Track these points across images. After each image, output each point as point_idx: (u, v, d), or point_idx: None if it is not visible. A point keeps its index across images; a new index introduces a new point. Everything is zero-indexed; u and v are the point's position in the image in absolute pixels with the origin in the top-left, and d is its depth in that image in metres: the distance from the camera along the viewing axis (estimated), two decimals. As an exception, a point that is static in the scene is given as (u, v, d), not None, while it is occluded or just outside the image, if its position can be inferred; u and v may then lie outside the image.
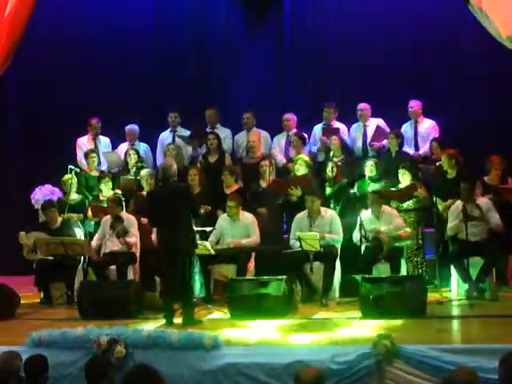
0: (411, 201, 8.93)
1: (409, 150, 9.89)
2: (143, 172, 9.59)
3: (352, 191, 9.09)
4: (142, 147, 10.58)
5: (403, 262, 8.45)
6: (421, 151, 9.84)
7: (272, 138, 10.41)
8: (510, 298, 8.03)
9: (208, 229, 8.58)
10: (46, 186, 10.09)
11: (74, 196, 9.75)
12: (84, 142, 10.64)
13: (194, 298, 7.86)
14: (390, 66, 10.61)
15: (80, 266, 8.96)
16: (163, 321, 7.20)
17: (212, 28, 11.60)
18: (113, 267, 8.64)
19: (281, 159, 10.12)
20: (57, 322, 7.53)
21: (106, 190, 9.56)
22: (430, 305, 7.35)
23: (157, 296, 8.31)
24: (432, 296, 7.82)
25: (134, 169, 9.97)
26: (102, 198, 9.56)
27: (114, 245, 8.77)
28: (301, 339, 6.31)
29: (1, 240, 10.41)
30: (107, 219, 8.90)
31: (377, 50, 10.74)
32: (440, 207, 8.76)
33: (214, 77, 11.47)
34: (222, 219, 8.91)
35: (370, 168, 9.19)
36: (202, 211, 8.67)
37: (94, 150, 10.39)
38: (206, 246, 8.30)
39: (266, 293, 7.46)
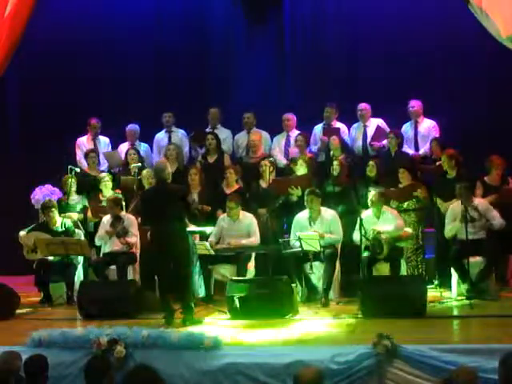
0: (411, 201, 8.93)
1: (409, 150, 9.89)
2: (144, 172, 9.59)
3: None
4: (143, 147, 10.58)
5: (403, 262, 8.44)
6: (421, 151, 9.84)
7: (272, 138, 10.41)
8: (510, 298, 8.03)
9: (208, 229, 8.58)
10: (46, 185, 10.08)
11: (74, 196, 9.75)
12: (84, 142, 10.64)
13: (194, 298, 7.86)
14: (389, 66, 10.60)
15: (80, 265, 8.96)
16: (163, 321, 7.19)
17: (212, 28, 11.60)
18: (113, 267, 8.65)
19: (281, 159, 10.12)
20: (57, 322, 7.55)
21: (106, 190, 9.56)
22: (429, 305, 7.35)
23: (157, 296, 8.31)
24: (432, 296, 7.83)
25: (136, 169, 10.00)
26: (101, 198, 9.55)
27: (114, 245, 8.77)
28: (301, 339, 6.31)
29: (1, 240, 10.41)
30: (107, 219, 8.90)
31: (377, 49, 10.74)
32: (440, 207, 8.76)
33: (214, 77, 11.45)
34: (222, 219, 8.91)
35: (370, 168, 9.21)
36: (197, 204, 8.66)
37: (94, 149, 10.39)
38: (206, 246, 8.30)
39: (266, 293, 7.46)
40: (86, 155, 10.25)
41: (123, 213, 8.91)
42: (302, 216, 8.62)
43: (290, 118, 10.31)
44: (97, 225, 9.24)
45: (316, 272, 8.31)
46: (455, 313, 7.44)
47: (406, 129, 10.03)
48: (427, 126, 9.93)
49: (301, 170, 9.30)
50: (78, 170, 9.84)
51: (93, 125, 10.59)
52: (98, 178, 9.87)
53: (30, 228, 9.19)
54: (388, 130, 9.99)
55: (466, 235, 7.84)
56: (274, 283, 7.56)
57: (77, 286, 8.55)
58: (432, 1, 10.63)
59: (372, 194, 8.51)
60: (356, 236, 8.31)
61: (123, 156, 10.29)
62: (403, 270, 8.39)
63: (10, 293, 8.04)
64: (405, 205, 8.94)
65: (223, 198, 9.06)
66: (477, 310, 7.32)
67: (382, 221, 8.46)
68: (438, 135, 9.77)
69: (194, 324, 7.07)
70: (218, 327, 6.94)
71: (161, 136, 10.66)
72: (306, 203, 8.55)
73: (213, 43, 11.58)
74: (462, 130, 10.01)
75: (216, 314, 7.73)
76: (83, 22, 11.30)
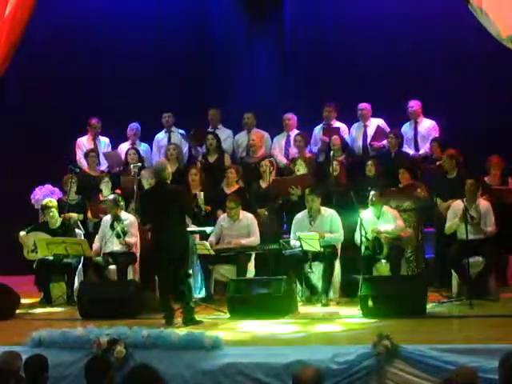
0: (411, 201, 8.92)
1: (409, 150, 9.89)
2: (144, 172, 9.59)
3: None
4: (143, 147, 10.59)
5: (403, 262, 8.44)
6: (421, 151, 9.84)
7: (272, 138, 10.41)
8: (510, 298, 8.03)
9: (208, 229, 8.59)
10: (46, 185, 10.08)
11: (74, 196, 9.75)
12: (84, 142, 10.64)
13: (194, 299, 7.86)
14: (390, 66, 10.59)
15: (80, 265, 8.96)
16: (163, 321, 7.19)
17: (212, 28, 11.59)
18: (113, 267, 8.65)
19: (281, 159, 10.12)
20: (57, 322, 7.55)
21: (106, 190, 9.55)
22: (429, 305, 7.35)
23: (157, 296, 8.31)
24: (432, 296, 7.83)
25: (135, 169, 9.99)
26: (101, 198, 9.55)
27: (114, 245, 8.78)
28: (301, 339, 6.31)
29: (1, 240, 10.41)
30: (107, 219, 8.91)
31: (377, 49, 10.73)
32: (440, 207, 8.76)
33: (214, 77, 11.44)
34: (222, 219, 8.91)
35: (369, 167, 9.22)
36: (203, 208, 8.69)
37: (94, 149, 10.39)
38: (206, 246, 8.30)
39: (266, 293, 7.46)
40: (86, 155, 10.25)
41: (123, 213, 8.90)
42: (302, 216, 8.62)
43: (290, 117, 10.31)
44: (97, 225, 9.24)
45: (316, 272, 8.31)
46: (455, 313, 7.44)
47: (406, 129, 10.04)
48: (427, 126, 9.94)
49: (300, 170, 9.30)
50: (77, 169, 9.84)
51: (93, 125, 10.59)
52: (98, 178, 9.87)
53: (29, 228, 9.19)
54: (388, 130, 9.99)
55: (466, 235, 7.84)
56: (273, 283, 7.55)
57: (77, 285, 8.57)
58: (432, 1, 10.62)
59: (372, 193, 8.51)
60: (357, 237, 8.31)
61: (123, 156, 10.29)
62: (403, 270, 8.39)
63: (9, 293, 8.04)
64: (405, 205, 8.94)
65: (223, 198, 9.06)
66: (477, 310, 7.32)
67: (382, 221, 8.47)
68: (437, 135, 9.78)
69: (193, 324, 7.06)
70: (218, 327, 6.94)
71: (161, 136, 10.66)
72: (306, 203, 8.54)
73: (213, 43, 11.57)
74: (462, 130, 10.01)
75: (216, 313, 7.73)
76: (83, 22, 11.29)
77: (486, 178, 8.91)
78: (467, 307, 7.45)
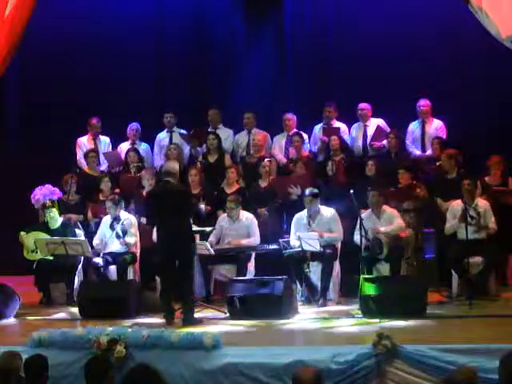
0: (411, 201, 8.92)
1: (415, 150, 9.87)
2: (144, 172, 9.60)
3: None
4: (143, 147, 10.59)
5: (403, 262, 8.44)
6: (428, 152, 9.81)
7: (272, 138, 10.41)
8: (510, 298, 8.03)
9: (208, 229, 8.58)
10: (46, 185, 10.06)
11: (74, 196, 9.75)
12: (84, 142, 10.63)
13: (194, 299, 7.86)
14: (390, 66, 10.59)
15: (80, 265, 8.96)
16: (163, 321, 7.19)
17: (212, 28, 11.59)
18: (113, 267, 8.65)
19: (281, 159, 10.12)
20: (57, 322, 7.55)
21: (106, 190, 9.56)
22: (429, 305, 7.35)
23: (157, 296, 8.31)
24: (432, 296, 7.83)
25: (135, 169, 10.00)
26: (101, 198, 9.55)
27: (113, 245, 8.78)
28: (301, 339, 6.31)
29: (1, 240, 10.40)
30: (107, 219, 8.91)
31: (377, 49, 10.73)
32: (440, 207, 8.76)
33: (214, 77, 11.45)
34: (222, 219, 8.91)
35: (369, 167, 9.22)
36: (203, 206, 8.69)
37: (94, 149, 10.39)
38: (206, 246, 8.30)
39: (266, 293, 7.46)
40: (86, 155, 10.25)
41: (123, 213, 8.90)
42: (302, 216, 8.61)
43: (290, 118, 10.31)
44: (97, 225, 9.24)
45: (316, 272, 8.30)
46: (455, 313, 7.44)
47: (414, 128, 10.00)
48: (435, 126, 9.89)
49: (299, 170, 9.32)
50: (77, 169, 9.83)
51: (93, 124, 10.59)
52: (98, 178, 9.87)
53: (29, 228, 9.18)
54: (388, 129, 9.99)
55: (466, 235, 7.84)
56: (273, 283, 7.55)
57: (77, 285, 8.57)
58: (432, 1, 10.62)
59: (372, 193, 8.51)
60: (357, 236, 8.31)
61: (123, 156, 10.29)
62: (403, 270, 8.39)
63: (10, 293, 8.03)
64: (405, 205, 8.94)
65: (223, 198, 9.06)
66: (477, 310, 7.33)
67: (382, 220, 8.47)
68: (444, 136, 9.74)
69: (193, 324, 7.06)
70: (218, 327, 6.94)
71: (162, 136, 10.66)
72: (305, 204, 8.54)
73: (213, 43, 11.57)
74: (462, 130, 10.01)
75: (216, 313, 7.73)
76: (83, 22, 11.28)
77: (486, 178, 8.91)
78: (467, 307, 7.45)
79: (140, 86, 11.26)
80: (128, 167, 10.11)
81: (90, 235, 9.28)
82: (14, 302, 8.03)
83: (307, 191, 8.56)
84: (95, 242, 8.91)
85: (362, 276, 7.64)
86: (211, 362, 5.67)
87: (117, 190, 9.56)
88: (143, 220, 9.11)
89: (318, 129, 10.31)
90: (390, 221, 8.45)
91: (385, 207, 8.56)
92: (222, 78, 11.37)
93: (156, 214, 7.54)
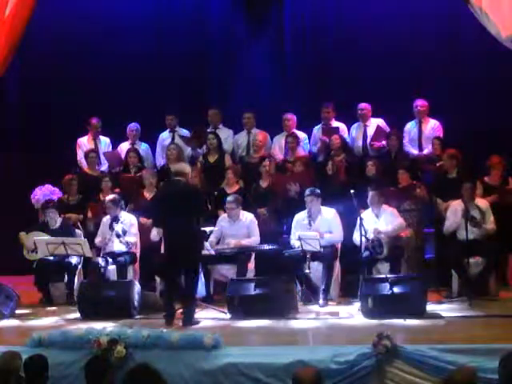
0: (411, 201, 8.92)
1: (412, 149, 9.88)
2: (145, 172, 9.59)
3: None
4: (143, 147, 10.59)
5: (403, 262, 8.44)
6: (425, 151, 9.83)
7: (272, 138, 10.41)
8: (510, 298, 8.03)
9: (208, 229, 8.59)
10: (45, 185, 10.07)
11: (74, 196, 9.75)
12: (84, 142, 10.64)
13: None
14: (390, 66, 10.59)
15: (80, 266, 8.96)
16: (163, 321, 7.19)
17: (212, 28, 11.59)
18: (113, 267, 8.65)
19: (280, 159, 10.12)
20: (57, 322, 7.54)
21: (106, 190, 9.56)
22: (429, 305, 7.35)
23: (157, 296, 8.31)
24: (432, 296, 7.83)
25: (135, 168, 10.00)
26: (101, 197, 9.55)
27: (114, 245, 8.78)
28: (301, 339, 6.31)
29: (1, 240, 10.41)
30: (107, 219, 8.91)
31: (377, 49, 10.73)
32: (440, 207, 8.76)
33: (214, 77, 11.46)
34: (222, 219, 8.91)
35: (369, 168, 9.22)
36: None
37: (94, 149, 10.39)
38: (206, 246, 8.30)
39: (265, 293, 7.46)
40: (86, 155, 10.25)
41: (123, 213, 8.90)
42: (302, 216, 8.61)
43: (290, 118, 10.30)
44: (97, 225, 9.24)
45: (316, 272, 8.30)
46: (455, 313, 7.44)
47: (411, 127, 10.01)
48: (431, 126, 9.91)
49: (298, 169, 9.33)
50: (78, 169, 9.84)
51: (93, 125, 10.59)
52: (98, 178, 9.87)
53: (29, 228, 9.18)
54: (388, 129, 9.99)
55: (466, 235, 7.84)
56: (274, 283, 7.55)
57: (77, 285, 8.56)
58: (432, 1, 10.63)
59: (371, 193, 8.51)
60: (356, 236, 8.32)
61: (123, 156, 10.30)
62: (403, 270, 8.39)
63: (9, 293, 8.03)
64: (404, 205, 8.94)
65: (223, 198, 9.06)
66: (477, 310, 7.33)
67: (381, 220, 8.47)
68: (441, 135, 9.76)
69: (193, 324, 7.07)
70: (218, 327, 6.94)
71: (165, 136, 10.66)
72: (306, 204, 8.54)
73: (213, 43, 11.58)
74: (462, 130, 10.01)
75: (216, 313, 7.73)
76: (83, 21, 11.29)
77: (486, 178, 8.91)
78: (467, 307, 7.45)
79: (140, 85, 11.26)
80: (128, 167, 10.11)
81: (89, 235, 9.29)
82: (14, 302, 8.03)
83: (307, 191, 8.56)
84: (97, 239, 8.92)
85: (362, 276, 7.63)
86: (211, 361, 5.67)
87: (117, 190, 9.57)
88: (142, 220, 9.10)
89: (317, 129, 10.31)
90: (390, 220, 8.44)
91: (384, 207, 8.55)
92: (221, 77, 11.37)
93: (165, 213, 7.47)
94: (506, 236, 8.33)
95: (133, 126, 10.57)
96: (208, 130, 10.34)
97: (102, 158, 10.44)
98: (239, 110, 10.57)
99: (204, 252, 8.28)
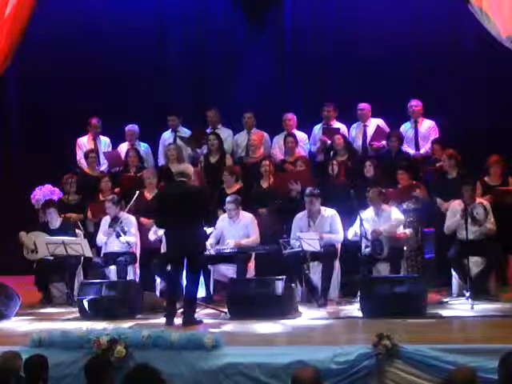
0: (410, 201, 8.91)
1: (409, 149, 9.89)
2: (146, 172, 9.59)
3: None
4: (142, 147, 10.59)
5: (403, 262, 8.44)
6: (422, 151, 9.84)
7: (272, 138, 10.41)
8: (510, 298, 8.03)
9: (208, 229, 8.58)
10: (45, 186, 10.08)
11: (74, 196, 9.75)
12: (84, 142, 10.64)
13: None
14: (389, 66, 10.59)
15: (80, 266, 8.96)
16: (163, 321, 7.19)
17: (212, 28, 11.59)
18: (113, 267, 8.65)
19: (280, 159, 10.11)
20: (57, 322, 7.55)
21: (106, 190, 9.55)
22: (430, 305, 7.35)
23: (157, 296, 8.32)
24: (432, 296, 7.83)
25: (135, 168, 10.00)
26: (101, 198, 9.55)
27: (113, 245, 8.78)
28: (301, 339, 6.31)
29: (1, 240, 10.41)
30: (107, 219, 8.91)
31: (377, 50, 10.73)
32: (440, 207, 8.76)
33: (214, 77, 11.46)
34: (222, 219, 8.91)
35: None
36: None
37: (94, 149, 10.39)
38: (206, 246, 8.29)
39: (266, 293, 7.46)
40: (86, 155, 10.25)
41: (122, 213, 8.90)
42: (302, 216, 8.61)
43: (290, 117, 10.30)
44: (97, 225, 9.24)
45: (316, 272, 8.30)
46: (455, 313, 7.44)
47: (406, 128, 10.02)
48: (427, 126, 9.93)
49: (299, 169, 9.33)
50: (78, 169, 9.84)
51: (93, 124, 10.59)
52: (98, 178, 9.87)
53: (30, 228, 9.18)
54: (388, 130, 9.99)
55: (466, 235, 7.85)
56: (273, 283, 7.55)
57: (77, 285, 8.57)
58: (432, 1, 10.63)
59: (371, 190, 8.51)
60: (350, 233, 8.31)
61: (123, 156, 10.29)
62: (403, 270, 8.39)
63: (10, 293, 8.03)
64: (404, 205, 8.94)
65: (224, 198, 9.05)
66: (477, 310, 7.32)
67: (381, 218, 8.46)
68: (437, 135, 9.78)
69: (193, 324, 7.06)
70: (218, 327, 6.94)
71: (167, 136, 10.64)
72: (306, 204, 8.53)
73: (213, 43, 11.58)
74: (462, 130, 10.01)
75: (216, 313, 7.73)
76: (83, 21, 11.29)
77: (486, 178, 8.90)
78: (467, 307, 7.45)
79: (140, 85, 11.26)
80: (128, 167, 10.11)
81: (89, 235, 9.30)
82: (14, 302, 8.02)
83: (308, 191, 8.55)
84: (98, 238, 8.92)
85: (361, 276, 7.62)
86: (211, 361, 5.67)
87: (117, 190, 9.56)
88: (142, 220, 9.10)
89: (317, 129, 10.31)
90: (388, 217, 8.44)
91: (384, 206, 8.55)
92: (221, 77, 11.37)
93: (169, 214, 7.42)
94: (506, 236, 8.33)
95: (130, 127, 10.55)
96: (208, 131, 10.34)
97: (102, 157, 10.44)
98: (239, 110, 10.57)
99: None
